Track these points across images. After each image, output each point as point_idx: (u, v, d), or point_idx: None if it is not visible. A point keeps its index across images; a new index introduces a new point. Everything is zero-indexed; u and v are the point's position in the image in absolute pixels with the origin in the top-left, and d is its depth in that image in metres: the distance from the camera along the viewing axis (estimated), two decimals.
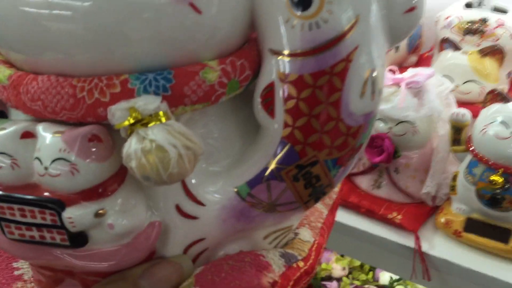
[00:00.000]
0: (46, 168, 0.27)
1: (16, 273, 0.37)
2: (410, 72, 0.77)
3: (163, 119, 0.27)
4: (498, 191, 0.66)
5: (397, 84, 0.76)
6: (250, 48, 0.32)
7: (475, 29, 0.86)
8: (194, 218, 0.31)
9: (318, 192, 0.32)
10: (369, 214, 0.81)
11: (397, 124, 0.75)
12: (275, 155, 0.31)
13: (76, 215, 0.28)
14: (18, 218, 0.29)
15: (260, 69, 0.32)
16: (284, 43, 0.30)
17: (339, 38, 0.29)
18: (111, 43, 0.27)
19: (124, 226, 0.29)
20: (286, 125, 0.31)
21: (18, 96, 0.29)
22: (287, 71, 0.30)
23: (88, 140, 0.27)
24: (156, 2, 0.27)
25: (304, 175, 0.31)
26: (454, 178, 0.74)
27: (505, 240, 0.69)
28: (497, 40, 0.85)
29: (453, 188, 0.74)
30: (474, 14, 0.87)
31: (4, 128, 0.29)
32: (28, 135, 0.29)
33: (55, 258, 0.30)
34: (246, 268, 0.33)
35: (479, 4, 0.85)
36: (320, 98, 0.30)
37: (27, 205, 0.28)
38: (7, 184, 0.29)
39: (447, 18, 0.91)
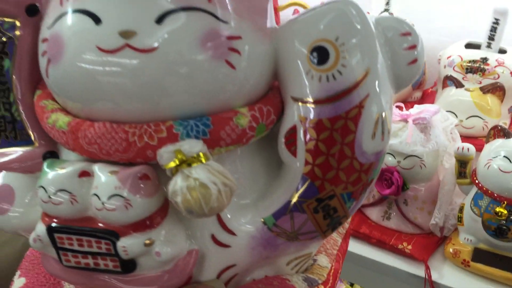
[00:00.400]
0: (103, 203, 0.31)
1: None
2: (416, 109, 0.82)
3: (204, 160, 0.31)
4: (503, 222, 0.70)
5: (404, 120, 0.81)
6: (274, 95, 0.36)
7: (476, 68, 0.91)
8: (227, 246, 0.35)
9: (335, 223, 0.37)
10: (380, 244, 0.84)
11: (405, 158, 0.79)
12: (297, 190, 0.35)
13: (129, 245, 0.32)
14: (76, 247, 0.33)
15: (283, 114, 0.36)
16: (305, 92, 0.34)
17: (353, 87, 0.34)
18: (155, 95, 0.32)
19: (169, 253, 0.33)
20: (307, 163, 0.35)
21: (76, 140, 0.33)
22: (307, 116, 0.35)
23: (139, 179, 0.32)
24: (194, 59, 0.31)
25: (323, 207, 0.36)
26: (461, 209, 0.77)
27: (509, 269, 0.72)
28: (497, 78, 0.90)
29: (460, 220, 0.77)
30: (475, 54, 0.92)
31: (63, 168, 0.33)
32: (85, 174, 0.33)
33: (105, 283, 0.34)
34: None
35: (488, 46, 0.90)
36: (337, 140, 0.34)
37: (85, 235, 0.33)
38: (66, 217, 0.33)
39: (449, 57, 0.96)
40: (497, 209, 0.70)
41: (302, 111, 0.35)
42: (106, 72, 0.31)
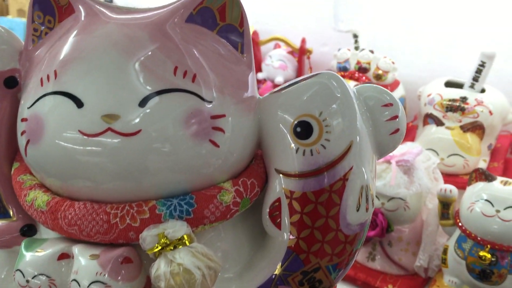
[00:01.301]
0: None
1: None
2: (399, 149, 0.82)
3: (188, 242, 0.31)
4: (487, 266, 0.70)
5: (388, 161, 0.81)
6: (257, 165, 0.36)
7: (456, 107, 0.92)
8: None
9: None
10: (365, 286, 0.83)
11: (389, 200, 0.79)
12: (282, 263, 0.35)
13: None
14: None
15: (267, 185, 0.36)
16: (289, 165, 0.34)
17: (337, 161, 0.34)
18: (137, 175, 0.31)
19: None
20: (291, 236, 0.35)
21: (55, 221, 0.33)
22: (292, 189, 0.34)
23: (121, 263, 0.31)
24: (178, 140, 0.31)
25: (308, 280, 0.35)
26: (445, 251, 0.77)
27: None
28: (477, 116, 0.91)
29: (444, 261, 0.77)
30: (454, 93, 0.93)
31: (42, 250, 0.32)
32: (64, 256, 0.32)
33: None
34: None
35: (472, 86, 0.92)
36: (322, 212, 0.34)
37: None
38: None
39: (429, 95, 0.97)
40: (481, 253, 0.70)
41: (287, 184, 0.35)
42: (87, 153, 0.31)
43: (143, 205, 0.32)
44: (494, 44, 0.99)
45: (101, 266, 0.31)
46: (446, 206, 0.79)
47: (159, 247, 0.30)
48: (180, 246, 0.30)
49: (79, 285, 0.31)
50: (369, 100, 0.36)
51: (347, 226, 0.35)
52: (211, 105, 0.32)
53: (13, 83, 0.36)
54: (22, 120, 0.33)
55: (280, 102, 0.35)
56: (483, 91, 0.95)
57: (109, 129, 0.30)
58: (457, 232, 0.77)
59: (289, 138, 0.34)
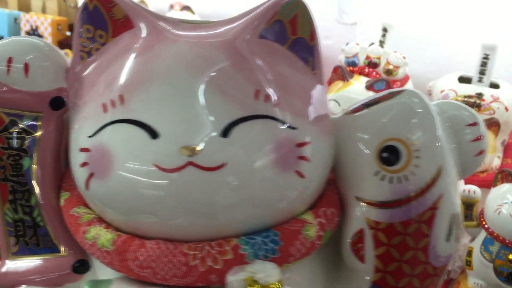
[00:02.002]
0: None
1: None
2: None
3: (277, 286, 0.28)
4: None
5: None
6: (332, 192, 0.33)
7: (472, 103, 0.90)
8: None
9: None
10: None
11: None
12: None
13: None
14: None
15: (345, 214, 0.33)
16: (374, 193, 0.31)
17: (426, 188, 0.31)
18: (219, 211, 0.28)
19: None
20: (377, 270, 0.32)
21: (124, 262, 0.29)
22: (377, 219, 0.31)
23: None
24: (264, 173, 0.28)
25: None
26: (469, 253, 0.76)
27: None
28: (493, 113, 0.89)
29: (469, 264, 0.76)
30: (469, 89, 0.91)
31: None
32: None
33: None
34: None
35: (480, 80, 0.89)
36: (410, 244, 0.31)
37: None
38: None
39: (442, 91, 0.95)
40: (510, 256, 0.68)
41: (371, 214, 0.32)
42: (163, 189, 0.27)
43: (225, 245, 0.28)
44: (501, 37, 0.97)
45: None
46: (469, 207, 0.77)
47: None
48: None
49: None
50: (453, 119, 0.33)
51: (436, 258, 0.32)
52: (295, 132, 0.29)
53: (60, 104, 0.32)
54: (82, 150, 0.29)
55: (359, 124, 0.32)
56: (497, 86, 0.93)
57: (190, 163, 0.27)
58: (483, 234, 0.75)
59: (374, 164, 0.31)
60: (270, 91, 0.29)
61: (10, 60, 0.31)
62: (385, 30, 1.04)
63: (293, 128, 0.29)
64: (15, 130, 0.33)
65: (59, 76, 0.32)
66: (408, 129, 0.31)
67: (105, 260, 0.30)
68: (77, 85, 0.32)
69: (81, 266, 0.34)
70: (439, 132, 0.31)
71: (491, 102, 0.89)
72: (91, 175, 0.29)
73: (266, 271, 0.27)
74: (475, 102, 0.88)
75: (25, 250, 0.34)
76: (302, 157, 0.29)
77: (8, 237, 0.34)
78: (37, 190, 0.33)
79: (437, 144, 0.31)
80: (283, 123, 0.28)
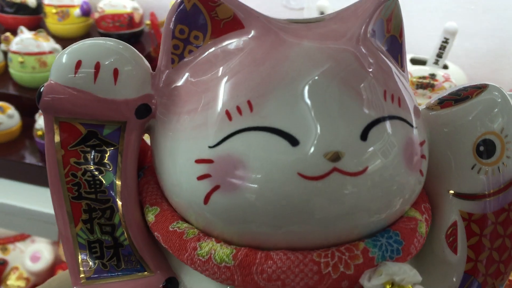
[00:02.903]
0: None
1: None
2: None
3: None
4: None
5: None
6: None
7: (426, 84, 0.94)
8: None
9: None
10: None
11: None
12: None
13: None
14: None
15: (437, 209, 0.33)
16: (470, 187, 0.32)
17: None
18: (357, 217, 0.28)
19: None
20: (469, 259, 0.33)
21: (248, 277, 0.28)
22: (470, 211, 0.32)
23: None
24: (399, 174, 0.28)
25: None
26: None
27: None
28: None
29: None
30: (422, 70, 0.96)
31: None
32: None
33: None
34: None
35: (436, 63, 0.94)
36: (500, 233, 0.33)
37: None
38: None
39: None
40: None
41: (465, 207, 0.32)
42: (307, 198, 0.26)
43: (354, 249, 0.28)
44: (452, 20, 1.02)
45: None
46: None
47: None
48: None
49: None
50: None
51: None
52: (416, 131, 0.29)
53: (146, 112, 0.30)
54: (200, 161, 0.27)
55: (453, 121, 0.32)
56: (446, 67, 0.98)
57: (334, 169, 0.26)
58: None
59: (472, 158, 0.32)
60: (394, 91, 0.28)
61: (97, 66, 0.28)
62: (322, 13, 1.06)
63: (415, 127, 0.29)
64: (94, 143, 0.30)
65: (145, 82, 0.30)
66: (502, 122, 0.32)
67: (223, 276, 0.28)
68: (170, 91, 0.29)
69: (171, 284, 0.31)
70: None
71: (444, 81, 0.94)
72: (215, 188, 0.27)
73: (405, 272, 0.27)
74: (429, 83, 0.93)
75: (103, 273, 0.31)
76: (423, 156, 0.29)
77: (81, 261, 0.31)
78: (120, 206, 0.31)
79: None
80: (408, 123, 0.28)
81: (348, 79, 0.27)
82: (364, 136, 0.26)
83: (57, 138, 0.30)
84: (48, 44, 1.20)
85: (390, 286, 0.27)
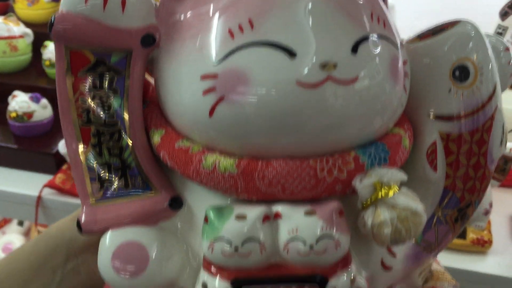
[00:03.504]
0: (311, 247, 0.29)
1: None
2: None
3: (397, 188, 0.31)
4: None
5: None
6: (402, 112, 0.37)
7: None
8: (389, 268, 0.35)
9: (462, 228, 0.38)
10: None
11: None
12: (440, 203, 0.36)
13: (339, 285, 0.30)
14: None
15: (418, 132, 0.36)
16: (448, 108, 0.35)
17: (487, 101, 0.36)
18: (348, 125, 0.30)
19: (365, 285, 0.31)
20: (447, 176, 0.36)
21: (251, 183, 0.30)
22: (448, 131, 0.36)
23: (339, 215, 0.30)
24: (385, 86, 0.31)
25: (461, 216, 0.37)
26: None
27: (463, 237, 0.82)
28: None
29: None
30: None
31: (244, 216, 0.30)
32: (267, 218, 0.30)
33: None
34: None
35: None
36: (475, 151, 0.36)
37: (284, 283, 0.30)
38: (251, 268, 0.30)
39: None
40: None
41: (442, 127, 0.36)
42: (304, 105, 0.29)
43: (346, 156, 0.31)
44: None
45: (324, 220, 0.29)
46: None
47: (378, 195, 0.30)
48: (395, 192, 0.30)
49: (305, 244, 0.29)
50: (495, 46, 0.38)
51: (492, 162, 0.37)
52: (400, 51, 0.32)
53: (151, 41, 0.32)
54: (205, 77, 0.29)
55: (432, 50, 0.35)
56: None
57: (329, 77, 0.28)
58: None
59: (449, 82, 0.35)
60: (379, 14, 0.31)
61: None
62: None
63: (399, 48, 0.32)
64: (103, 70, 0.32)
65: (150, 13, 0.32)
66: (474, 51, 0.35)
67: (227, 185, 0.30)
68: (173, 21, 0.32)
69: (175, 203, 0.34)
70: (491, 55, 0.36)
71: None
72: (219, 100, 0.29)
73: (392, 173, 0.30)
74: None
75: (112, 194, 0.33)
76: (406, 74, 0.32)
77: (91, 183, 0.33)
78: (128, 129, 0.33)
79: (491, 63, 0.36)
80: (393, 42, 0.31)
81: (341, 1, 0.30)
82: (355, 49, 0.29)
83: (67, 66, 0.32)
84: (18, 28, 1.19)
85: (380, 185, 0.30)
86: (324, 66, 0.28)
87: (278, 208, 0.30)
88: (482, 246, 0.85)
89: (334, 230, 0.29)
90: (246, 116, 0.29)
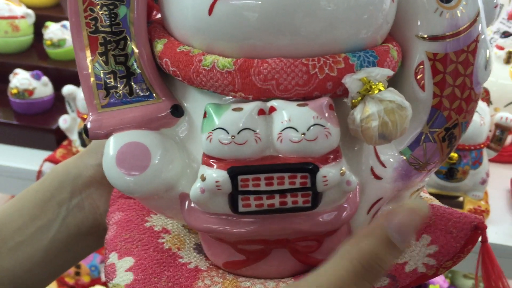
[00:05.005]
0: (303, 134, 0.31)
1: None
2: None
3: (384, 87, 0.33)
4: (453, 164, 0.80)
5: None
6: (390, 34, 0.39)
7: None
8: (380, 178, 0.37)
9: (451, 150, 0.40)
10: None
11: None
12: (427, 122, 0.38)
13: (329, 174, 0.32)
14: (262, 187, 0.32)
15: (406, 53, 0.39)
16: (434, 29, 0.37)
17: (472, 23, 0.38)
18: (339, 25, 0.33)
19: (355, 182, 0.33)
20: (435, 95, 0.38)
21: (247, 78, 0.32)
22: (435, 51, 0.38)
23: (329, 108, 0.32)
24: None
25: (449, 136, 0.39)
26: None
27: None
28: None
29: None
30: None
31: (241, 108, 0.32)
32: (262, 112, 0.32)
33: (281, 226, 0.34)
34: (445, 209, 0.40)
35: None
36: (461, 71, 0.38)
37: (277, 172, 0.32)
38: (247, 158, 0.32)
39: None
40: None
41: (429, 47, 0.38)
42: (291, 6, 0.31)
43: (337, 57, 0.33)
44: None
45: (315, 111, 0.31)
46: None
47: (368, 87, 0.32)
48: (382, 87, 0.32)
49: (297, 131, 0.31)
50: None
51: (477, 85, 0.39)
52: None
53: None
54: None
55: None
56: None
57: None
58: None
59: (434, 2, 0.37)
60: None
61: None
62: None
63: None
64: None
65: None
66: None
67: (224, 81, 0.32)
68: None
69: (176, 110, 0.36)
70: None
71: None
72: None
73: (380, 69, 0.32)
74: None
75: (117, 101, 0.35)
76: None
77: (98, 91, 0.35)
78: (133, 36, 0.35)
79: None
80: None
81: None
82: None
83: None
84: (20, 8, 1.22)
85: (367, 81, 0.32)
86: None
87: (273, 102, 0.32)
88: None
89: (325, 120, 0.31)
90: (243, 15, 0.31)
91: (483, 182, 0.88)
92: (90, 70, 0.35)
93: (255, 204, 0.32)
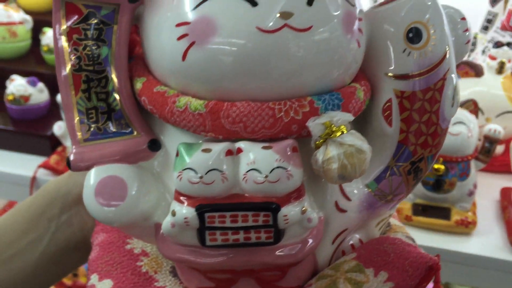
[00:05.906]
0: (266, 176, 0.33)
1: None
2: None
3: (346, 130, 0.35)
4: (440, 176, 0.82)
5: None
6: (360, 72, 0.41)
7: None
8: (344, 211, 0.39)
9: (417, 182, 0.42)
10: None
11: None
12: (394, 156, 0.40)
13: (290, 213, 0.34)
14: (228, 224, 0.34)
15: (375, 90, 0.40)
16: (402, 68, 0.39)
17: (439, 62, 0.40)
18: (305, 71, 0.34)
19: (316, 219, 0.35)
20: (401, 131, 0.40)
21: (216, 121, 0.34)
22: (402, 89, 0.40)
23: (292, 151, 0.34)
24: (339, 37, 0.35)
25: (414, 169, 0.41)
26: None
27: (447, 218, 0.86)
28: None
29: None
30: None
31: (210, 149, 0.34)
32: (230, 152, 0.34)
33: (247, 258, 0.36)
34: (405, 246, 0.42)
35: None
36: (427, 108, 0.40)
37: (241, 211, 0.34)
38: (214, 196, 0.34)
39: None
40: (436, 166, 0.82)
41: (397, 85, 0.40)
42: (264, 50, 0.33)
43: (302, 100, 0.35)
44: None
45: (278, 154, 0.33)
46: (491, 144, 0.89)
47: (330, 131, 0.34)
48: (342, 132, 0.34)
49: (261, 173, 0.33)
50: (450, 15, 0.42)
51: (444, 121, 0.41)
52: (355, 9, 0.36)
53: None
54: (180, 24, 0.33)
55: (389, 14, 0.39)
56: None
57: (286, 25, 0.33)
58: None
59: (403, 43, 0.39)
60: None
61: None
62: None
63: (354, 5, 0.36)
64: (93, 22, 0.36)
65: None
66: (428, 14, 0.39)
67: (196, 123, 0.35)
68: None
69: (154, 145, 0.38)
70: (443, 20, 0.40)
71: None
72: (191, 44, 0.33)
73: (342, 115, 0.34)
74: None
75: (97, 135, 0.37)
76: (360, 30, 0.36)
77: (80, 125, 0.37)
78: (114, 76, 0.37)
79: (444, 27, 0.40)
80: (348, 1, 0.35)
81: None
82: (310, 2, 0.33)
83: (63, 16, 0.36)
84: (18, 14, 1.23)
85: (330, 125, 0.34)
86: (281, 14, 0.32)
87: (240, 144, 0.34)
88: (466, 227, 0.88)
89: (287, 163, 0.33)
90: (215, 60, 0.33)
91: (471, 193, 0.89)
92: (73, 106, 0.37)
93: (221, 238, 0.34)
